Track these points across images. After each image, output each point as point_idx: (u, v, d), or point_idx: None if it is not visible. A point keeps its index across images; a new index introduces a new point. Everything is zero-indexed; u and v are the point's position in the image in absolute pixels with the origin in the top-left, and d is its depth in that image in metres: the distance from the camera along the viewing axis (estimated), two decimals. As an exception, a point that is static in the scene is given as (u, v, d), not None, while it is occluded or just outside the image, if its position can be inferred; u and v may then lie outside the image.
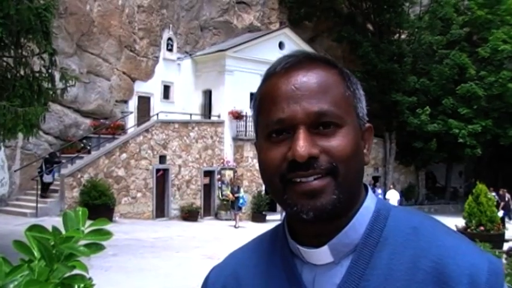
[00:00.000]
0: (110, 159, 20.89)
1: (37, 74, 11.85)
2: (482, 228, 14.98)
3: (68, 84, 12.36)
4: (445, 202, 34.10)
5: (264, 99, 0.98)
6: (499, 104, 30.50)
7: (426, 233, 0.94)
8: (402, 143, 31.80)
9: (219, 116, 25.38)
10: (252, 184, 24.95)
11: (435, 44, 30.80)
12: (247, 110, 23.47)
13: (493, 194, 23.22)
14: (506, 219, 24.53)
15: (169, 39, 25.81)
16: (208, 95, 26.42)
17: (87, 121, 22.84)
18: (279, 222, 1.10)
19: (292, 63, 0.97)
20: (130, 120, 24.32)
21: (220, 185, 24.53)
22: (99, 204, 18.50)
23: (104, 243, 1.06)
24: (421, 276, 0.90)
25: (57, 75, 12.35)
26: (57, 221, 1.26)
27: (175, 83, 26.04)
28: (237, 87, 24.85)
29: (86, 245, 1.05)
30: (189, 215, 22.74)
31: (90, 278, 1.09)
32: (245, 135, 24.87)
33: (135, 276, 10.81)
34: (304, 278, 0.97)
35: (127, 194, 21.36)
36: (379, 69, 29.97)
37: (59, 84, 12.39)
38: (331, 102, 0.93)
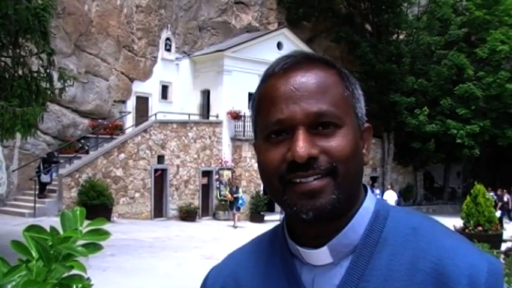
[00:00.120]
0: (108, 159, 20.88)
1: (35, 74, 11.85)
2: (480, 228, 15.00)
3: (66, 84, 12.37)
4: (443, 202, 34.11)
5: (263, 100, 0.97)
6: (497, 105, 30.54)
7: (425, 234, 0.94)
8: (400, 144, 31.82)
9: (217, 116, 25.38)
10: (250, 184, 24.95)
11: (433, 44, 30.82)
12: (245, 110, 23.47)
13: (491, 194, 23.29)
14: (506, 220, 24.59)
15: (168, 39, 25.80)
16: (206, 95, 26.42)
17: (85, 121, 22.84)
18: (277, 223, 1.09)
19: (291, 64, 0.96)
20: (129, 121, 24.32)
21: (218, 185, 24.53)
22: (97, 204, 18.50)
23: (102, 243, 1.06)
24: (421, 277, 0.90)
25: (55, 75, 12.36)
26: (55, 221, 1.25)
27: (173, 83, 26.04)
28: (235, 87, 24.86)
29: (84, 245, 1.05)
30: (187, 215, 22.74)
31: (88, 278, 1.09)
32: (243, 135, 24.86)
33: (133, 276, 10.81)
34: (304, 278, 0.97)
35: (125, 194, 21.35)
36: (377, 70, 29.99)
37: (57, 84, 12.39)
38: (330, 102, 0.93)
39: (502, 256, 10.38)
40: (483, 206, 15.19)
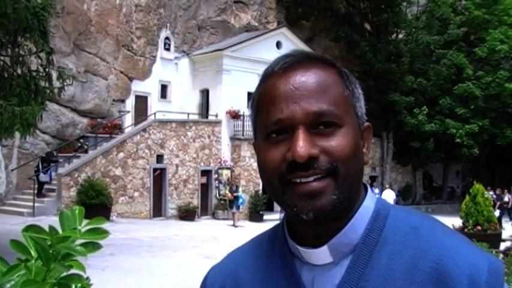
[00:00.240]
0: (107, 158, 20.87)
1: (34, 73, 11.84)
2: (479, 228, 15.00)
3: (65, 84, 12.36)
4: (442, 202, 34.15)
5: (263, 100, 0.97)
6: (496, 104, 30.57)
7: (426, 233, 0.94)
8: (399, 143, 31.84)
9: (216, 116, 25.39)
10: (249, 184, 24.96)
11: (432, 44, 30.83)
12: (244, 109, 23.48)
13: (491, 193, 23.31)
14: (507, 219, 24.60)
15: (167, 38, 25.79)
16: (205, 94, 26.42)
17: (85, 120, 22.84)
18: (276, 222, 1.09)
19: (291, 63, 0.96)
20: (128, 120, 24.31)
21: (217, 185, 24.53)
22: (96, 203, 18.50)
23: (101, 242, 1.06)
24: (421, 276, 0.89)
25: (54, 74, 12.34)
26: (54, 221, 1.25)
27: (172, 83, 26.03)
28: (235, 86, 24.86)
29: (83, 244, 1.04)
30: (186, 214, 22.75)
31: (87, 278, 1.09)
32: (242, 134, 24.87)
33: (132, 275, 10.81)
34: (304, 278, 0.97)
35: (124, 193, 21.34)
36: (376, 69, 30.00)
37: (56, 84, 12.39)
38: (330, 101, 0.92)
39: (501, 256, 10.40)
40: (482, 206, 15.20)
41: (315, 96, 0.92)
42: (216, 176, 24.60)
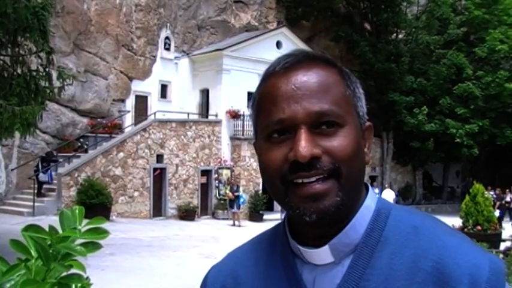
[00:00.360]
0: (107, 158, 20.87)
1: (34, 73, 11.84)
2: (479, 227, 15.00)
3: (65, 83, 12.36)
4: (442, 202, 34.15)
5: (264, 100, 0.96)
6: (496, 104, 30.58)
7: (427, 233, 0.94)
8: (399, 143, 31.85)
9: (216, 115, 25.39)
10: (250, 183, 24.95)
11: (432, 43, 30.83)
12: (244, 109, 23.49)
13: (491, 193, 23.31)
14: (507, 219, 24.59)
15: (167, 38, 25.79)
16: (205, 94, 26.42)
17: (84, 120, 22.83)
18: (276, 222, 1.09)
19: (292, 63, 0.95)
20: (128, 119, 24.31)
21: (217, 184, 24.53)
22: (96, 203, 18.49)
23: (101, 242, 1.06)
24: (422, 276, 0.89)
25: (54, 74, 12.34)
26: (54, 220, 1.25)
27: (172, 82, 26.03)
28: (235, 86, 24.86)
29: (82, 244, 1.04)
30: (186, 214, 22.75)
31: (87, 278, 1.08)
32: (242, 134, 24.87)
33: (132, 275, 10.80)
34: (305, 278, 0.97)
35: (124, 193, 21.34)
36: (376, 69, 29.99)
37: (56, 83, 12.39)
38: (332, 101, 0.92)
39: (501, 255, 10.40)
40: (482, 206, 15.20)
41: (316, 96, 0.91)
42: (216, 175, 24.60)
